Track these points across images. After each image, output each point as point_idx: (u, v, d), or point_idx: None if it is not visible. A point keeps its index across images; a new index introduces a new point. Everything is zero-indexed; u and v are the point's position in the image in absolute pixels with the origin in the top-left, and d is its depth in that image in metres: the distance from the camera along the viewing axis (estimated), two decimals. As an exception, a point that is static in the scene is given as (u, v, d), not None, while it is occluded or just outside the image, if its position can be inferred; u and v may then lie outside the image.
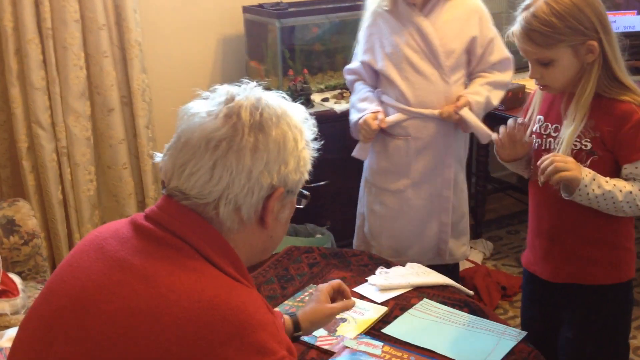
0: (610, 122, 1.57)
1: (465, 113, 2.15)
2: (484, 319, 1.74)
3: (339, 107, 2.83)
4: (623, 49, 1.60)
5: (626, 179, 1.58)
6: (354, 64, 2.33)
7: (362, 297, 1.86)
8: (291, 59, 2.98)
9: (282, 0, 3.03)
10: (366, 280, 1.94)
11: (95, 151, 2.80)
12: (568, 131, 1.60)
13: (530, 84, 3.07)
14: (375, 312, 1.77)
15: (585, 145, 1.60)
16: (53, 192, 2.70)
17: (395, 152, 2.25)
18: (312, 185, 2.89)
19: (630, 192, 1.56)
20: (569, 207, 1.64)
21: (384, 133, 2.26)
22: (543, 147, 1.70)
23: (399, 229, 2.31)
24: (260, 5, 2.98)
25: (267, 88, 1.13)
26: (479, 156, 3.37)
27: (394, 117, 2.23)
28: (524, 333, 1.69)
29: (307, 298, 1.85)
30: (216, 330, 0.95)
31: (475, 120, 2.19)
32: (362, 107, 2.23)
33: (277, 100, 1.11)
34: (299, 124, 1.11)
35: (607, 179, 1.57)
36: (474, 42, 2.18)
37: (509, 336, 1.66)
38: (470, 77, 2.26)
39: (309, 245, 2.28)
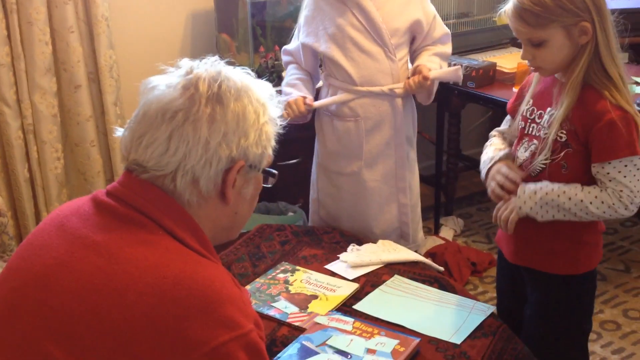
0: (584, 116, 1.55)
1: (435, 73, 2.16)
2: (453, 295, 1.76)
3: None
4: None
5: (595, 178, 1.57)
6: (293, 44, 2.30)
7: (333, 274, 1.87)
8: (262, 36, 2.95)
9: (253, -25, 2.98)
10: (338, 258, 1.95)
11: (62, 128, 2.75)
12: (557, 114, 1.57)
13: (502, 62, 3.09)
14: (347, 289, 1.78)
15: (561, 137, 1.58)
16: (19, 171, 2.65)
17: (346, 135, 2.24)
18: (284, 163, 2.87)
19: (582, 200, 1.55)
20: None
21: (333, 116, 2.25)
22: (526, 131, 1.69)
23: (358, 212, 2.30)
24: (230, -20, 2.93)
25: (231, 63, 1.12)
26: (450, 134, 3.38)
27: (327, 100, 2.22)
28: (492, 308, 1.71)
29: (279, 275, 1.85)
30: (182, 305, 0.95)
31: (444, 72, 2.20)
32: (288, 91, 2.23)
33: (238, 75, 1.10)
34: (262, 99, 1.11)
35: (558, 188, 1.57)
36: (419, 25, 2.19)
37: (478, 311, 1.69)
38: (415, 52, 2.26)
39: (281, 223, 2.28)
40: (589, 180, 1.59)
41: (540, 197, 1.59)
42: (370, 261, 1.92)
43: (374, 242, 2.06)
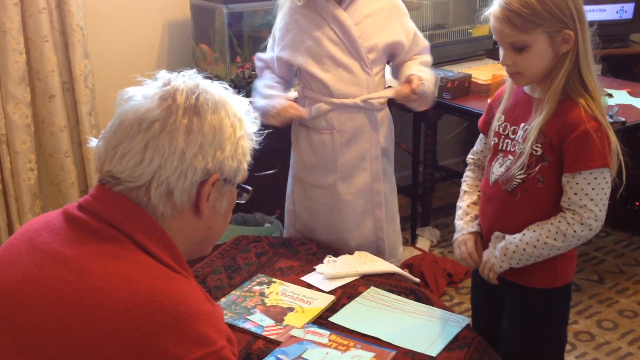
0: (559, 126, 1.56)
1: (423, 89, 2.14)
2: (429, 306, 1.77)
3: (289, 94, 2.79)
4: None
5: (563, 189, 1.59)
6: (268, 54, 2.28)
7: (309, 286, 1.86)
8: (239, 46, 2.95)
9: (230, -14, 2.98)
10: (314, 269, 1.95)
11: (36, 139, 2.72)
12: (535, 123, 1.57)
13: (477, 74, 3.11)
14: (323, 301, 1.77)
15: (536, 151, 1.59)
16: (-8, 181, 2.62)
17: (322, 147, 2.24)
18: (260, 174, 2.84)
19: (546, 243, 1.58)
20: (511, 211, 1.65)
21: (309, 129, 2.25)
22: (499, 147, 1.69)
23: (333, 225, 2.29)
24: (207, -9, 2.93)
25: (208, 77, 1.12)
26: (427, 144, 3.40)
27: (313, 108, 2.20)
28: (468, 320, 1.72)
29: (254, 288, 1.84)
30: (154, 321, 0.93)
31: (430, 87, 2.19)
32: (268, 93, 2.19)
33: (216, 89, 1.10)
34: (239, 114, 1.11)
35: (520, 241, 1.61)
36: (399, 46, 2.19)
37: (454, 323, 1.69)
38: (398, 65, 2.25)
39: (257, 235, 2.27)
40: None
41: (511, 256, 1.64)
42: (346, 273, 1.91)
43: (351, 253, 2.06)
